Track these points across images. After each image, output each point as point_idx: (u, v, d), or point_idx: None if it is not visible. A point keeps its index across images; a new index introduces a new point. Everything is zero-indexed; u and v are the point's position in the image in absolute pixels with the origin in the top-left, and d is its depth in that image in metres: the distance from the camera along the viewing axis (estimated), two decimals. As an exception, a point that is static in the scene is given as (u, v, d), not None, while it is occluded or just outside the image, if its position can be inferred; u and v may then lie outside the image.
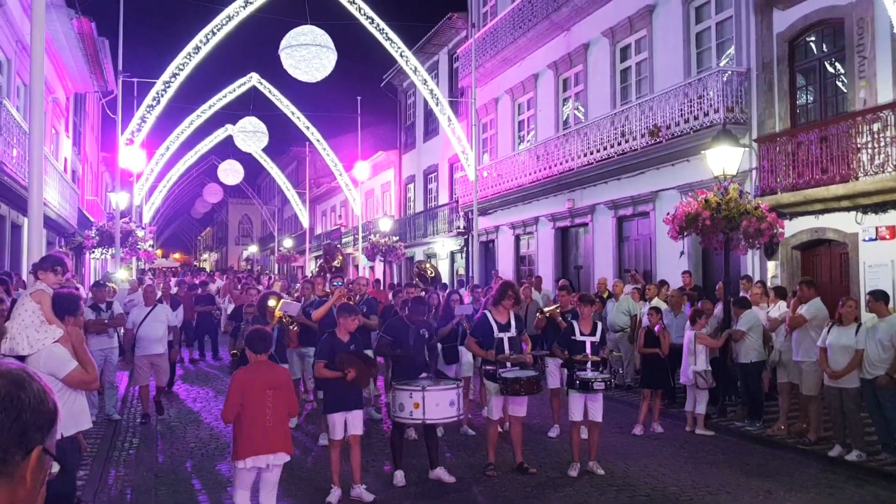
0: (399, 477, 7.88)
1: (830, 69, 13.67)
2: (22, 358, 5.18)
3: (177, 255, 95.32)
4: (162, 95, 20.10)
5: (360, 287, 12.21)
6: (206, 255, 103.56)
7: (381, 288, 21.69)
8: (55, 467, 1.48)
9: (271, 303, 9.57)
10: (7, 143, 13.25)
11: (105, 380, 10.66)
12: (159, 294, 12.34)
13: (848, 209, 12.53)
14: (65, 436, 5.06)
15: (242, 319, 10.85)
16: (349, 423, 7.41)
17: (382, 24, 21.92)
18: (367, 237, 30.36)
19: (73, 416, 5.16)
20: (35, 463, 1.40)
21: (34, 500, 1.42)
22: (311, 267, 36.77)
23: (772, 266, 14.27)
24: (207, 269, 63.38)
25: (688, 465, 8.79)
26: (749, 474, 8.42)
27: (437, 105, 23.52)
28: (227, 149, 38.95)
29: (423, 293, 12.44)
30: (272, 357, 9.24)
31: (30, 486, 1.40)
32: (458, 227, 27.50)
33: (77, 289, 10.22)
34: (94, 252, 23.12)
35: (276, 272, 49.35)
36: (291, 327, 9.61)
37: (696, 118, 15.25)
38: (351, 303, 10.69)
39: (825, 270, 13.63)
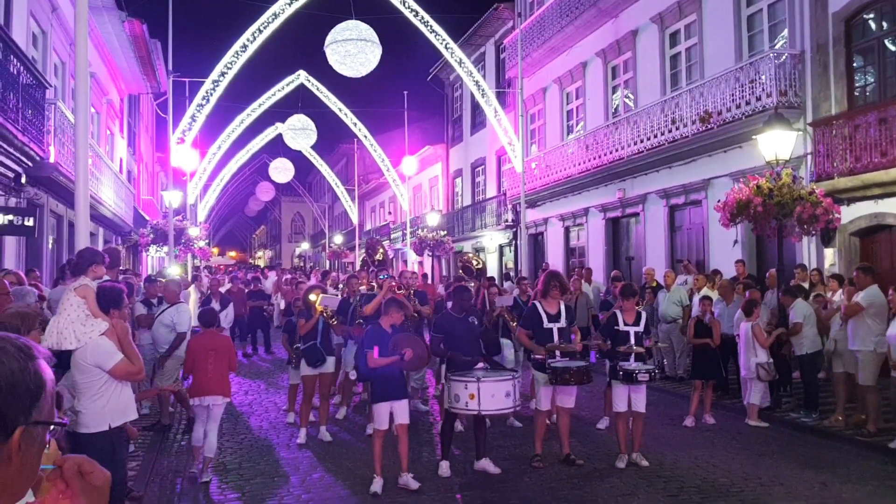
0: (444, 467, 7.85)
1: (891, 48, 13.19)
2: (69, 352, 5.29)
3: (232, 254, 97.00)
4: (211, 94, 20.40)
5: (407, 280, 12.23)
6: (260, 253, 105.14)
7: (430, 282, 21.72)
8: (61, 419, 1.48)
9: (312, 297, 9.65)
10: (62, 144, 13.57)
11: (157, 373, 10.84)
12: (187, 292, 11.67)
13: (909, 193, 12.10)
14: (112, 426, 5.15)
15: (293, 314, 10.98)
16: (395, 413, 7.42)
17: (427, 17, 21.90)
18: (415, 232, 30.40)
19: (121, 407, 5.24)
20: (17, 444, 1.36)
21: (27, 476, 1.41)
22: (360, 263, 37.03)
23: (829, 254, 13.86)
24: (262, 266, 64.28)
25: (740, 457, 8.58)
26: (803, 466, 8.18)
27: (482, 96, 23.41)
28: (278, 147, 39.50)
29: (471, 285, 12.42)
30: (318, 348, 9.41)
31: (17, 465, 1.38)
32: (507, 220, 27.36)
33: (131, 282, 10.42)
34: (149, 250, 23.60)
35: (328, 267, 49.78)
36: (332, 321, 9.65)
37: (747, 103, 14.87)
38: (403, 293, 10.76)
39: (885, 257, 13.16)
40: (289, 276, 21.33)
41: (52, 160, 12.75)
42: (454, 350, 7.87)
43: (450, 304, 8.90)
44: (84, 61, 7.17)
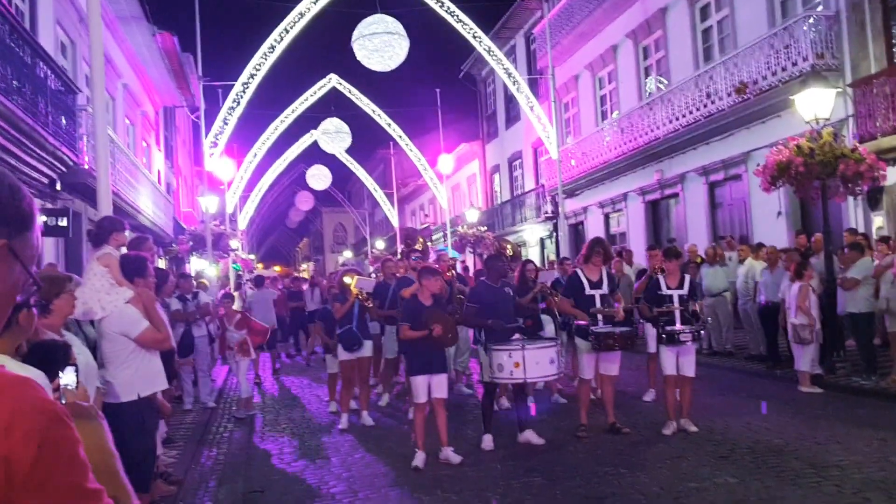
0: (487, 441, 7.72)
1: (929, 1, 12.73)
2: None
3: (277, 268, 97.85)
4: (241, 96, 20.47)
5: (445, 261, 12.10)
6: (304, 265, 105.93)
7: (470, 274, 21.51)
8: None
9: (347, 280, 9.57)
10: (96, 150, 13.67)
11: (197, 368, 10.89)
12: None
13: (958, 147, 11.62)
14: (141, 396, 5.08)
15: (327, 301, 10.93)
16: (433, 387, 7.29)
17: (453, 7, 21.73)
18: (455, 231, 30.19)
19: (149, 376, 5.17)
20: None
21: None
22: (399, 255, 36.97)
23: (878, 218, 13.37)
24: (306, 278, 64.54)
25: (794, 421, 8.27)
26: (861, 425, 7.85)
27: (514, 84, 23.16)
28: (314, 155, 39.68)
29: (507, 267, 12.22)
30: (354, 332, 9.30)
31: None
32: (546, 212, 27.04)
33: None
34: (190, 260, 23.69)
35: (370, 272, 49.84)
36: (367, 303, 9.53)
37: (784, 69, 14.48)
38: (450, 275, 10.62)
39: (937, 217, 12.67)
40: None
41: (86, 166, 12.87)
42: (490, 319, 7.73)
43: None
44: (98, 38, 7.18)
